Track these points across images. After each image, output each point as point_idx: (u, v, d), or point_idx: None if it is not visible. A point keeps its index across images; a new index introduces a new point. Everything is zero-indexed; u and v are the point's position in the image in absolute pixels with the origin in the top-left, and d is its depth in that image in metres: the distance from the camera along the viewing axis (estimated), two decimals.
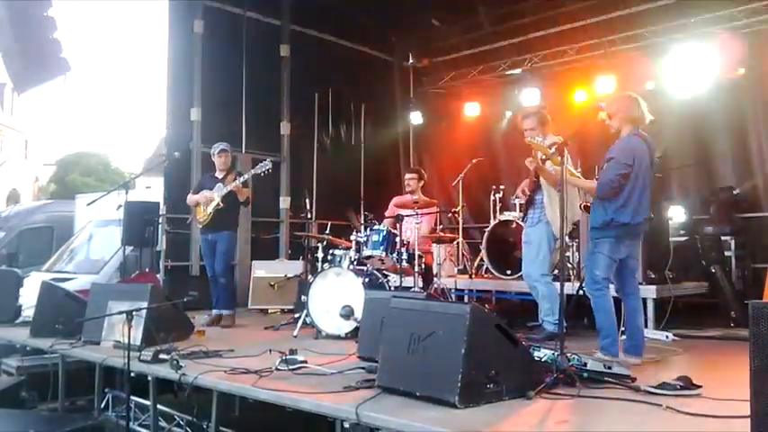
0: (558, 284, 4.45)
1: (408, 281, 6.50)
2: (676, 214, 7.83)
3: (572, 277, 6.55)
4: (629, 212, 4.54)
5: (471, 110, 10.47)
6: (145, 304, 5.09)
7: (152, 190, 11.70)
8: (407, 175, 7.49)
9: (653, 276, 6.34)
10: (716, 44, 8.03)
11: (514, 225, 7.50)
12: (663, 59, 8.51)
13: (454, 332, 3.40)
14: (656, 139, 7.39)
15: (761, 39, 7.77)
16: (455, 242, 8.04)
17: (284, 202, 9.53)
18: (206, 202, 6.69)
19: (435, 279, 6.91)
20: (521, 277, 7.19)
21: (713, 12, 8.02)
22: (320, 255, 6.72)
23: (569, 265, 6.64)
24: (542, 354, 3.91)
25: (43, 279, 6.73)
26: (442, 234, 7.60)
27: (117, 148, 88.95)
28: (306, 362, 4.38)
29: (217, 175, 6.86)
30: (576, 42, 9.24)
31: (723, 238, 7.45)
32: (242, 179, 6.58)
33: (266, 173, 6.62)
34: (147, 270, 7.90)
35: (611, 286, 4.75)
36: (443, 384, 3.33)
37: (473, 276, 7.97)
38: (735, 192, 7.98)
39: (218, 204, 6.60)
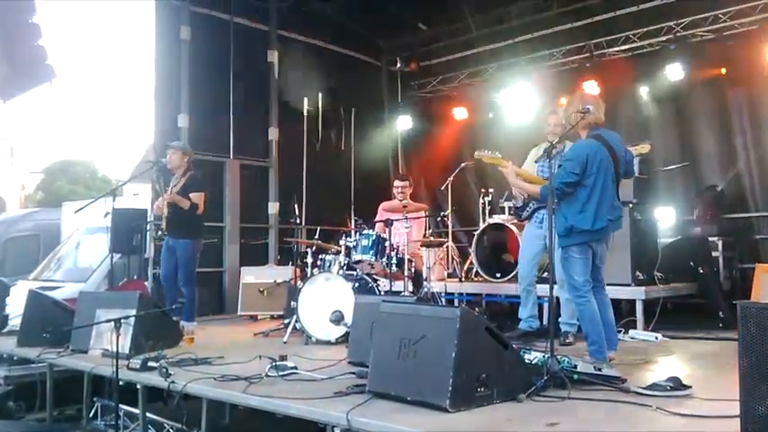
0: None
1: (398, 285, 6.50)
2: (664, 215, 7.87)
3: None
4: (588, 219, 4.47)
5: (459, 114, 10.49)
6: (133, 312, 5.06)
7: (140, 197, 11.63)
8: (400, 183, 7.41)
9: (642, 277, 6.37)
10: (699, 46, 8.12)
11: (504, 228, 7.51)
12: (647, 62, 8.59)
13: (444, 336, 3.39)
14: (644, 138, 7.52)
15: (744, 40, 7.84)
16: (444, 246, 8.05)
17: (273, 208, 9.51)
18: (158, 209, 6.64)
19: (425, 283, 6.91)
20: (510, 280, 7.24)
21: (697, 14, 8.10)
22: (309, 260, 6.70)
23: None
24: (532, 356, 3.92)
25: (30, 288, 6.66)
26: (431, 238, 7.60)
27: (104, 156, 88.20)
28: (296, 368, 4.36)
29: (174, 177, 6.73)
30: (563, 46, 9.29)
31: (711, 238, 7.50)
32: (175, 190, 6.44)
33: (191, 182, 6.51)
34: (135, 277, 7.86)
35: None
36: (434, 388, 3.32)
37: (463, 280, 7.98)
38: (718, 188, 8.04)
39: (165, 214, 6.49)
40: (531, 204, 5.90)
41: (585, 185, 4.50)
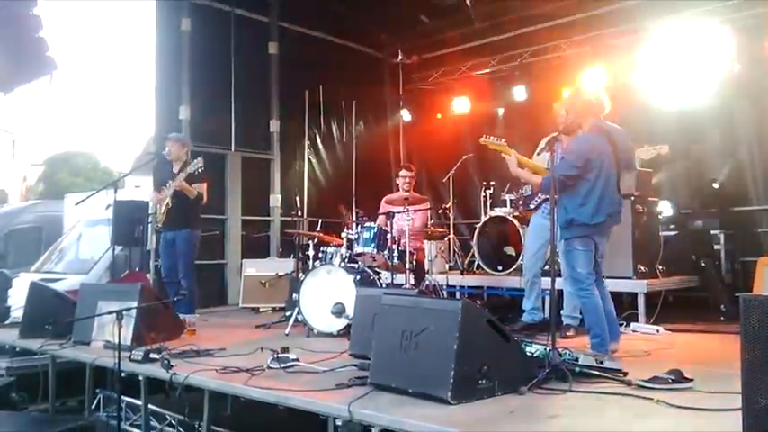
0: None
1: (400, 278, 6.50)
2: (665, 208, 7.87)
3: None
4: (588, 212, 4.50)
5: (461, 106, 10.48)
6: (135, 304, 5.06)
7: (141, 189, 11.64)
8: (405, 173, 7.42)
9: (643, 270, 6.36)
10: (704, 39, 8.08)
11: (506, 221, 7.50)
12: (651, 54, 8.54)
13: (446, 328, 3.39)
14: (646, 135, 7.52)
15: (748, 33, 7.80)
16: (446, 239, 8.04)
17: (274, 200, 9.51)
18: (159, 202, 6.63)
19: (427, 276, 6.91)
20: (512, 273, 7.23)
21: (701, 7, 8.06)
22: (311, 252, 6.71)
23: None
24: (534, 349, 3.92)
25: (32, 279, 6.67)
26: (432, 230, 7.60)
27: (105, 148, 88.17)
28: (298, 360, 4.37)
29: (174, 169, 6.74)
30: (565, 38, 9.26)
31: (712, 231, 7.49)
32: (182, 177, 6.41)
33: (199, 171, 6.44)
34: (136, 270, 7.85)
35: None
36: (436, 381, 3.32)
37: (464, 273, 7.98)
38: (715, 184, 8.03)
39: (168, 204, 6.51)
40: (539, 195, 5.88)
41: (587, 179, 4.50)
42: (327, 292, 5.82)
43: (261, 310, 7.98)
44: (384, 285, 6.08)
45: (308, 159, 9.89)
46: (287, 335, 5.86)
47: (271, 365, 4.25)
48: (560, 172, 4.44)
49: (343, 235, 6.46)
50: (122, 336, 4.32)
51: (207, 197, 6.64)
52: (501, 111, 10.27)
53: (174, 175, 6.59)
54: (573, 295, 5.46)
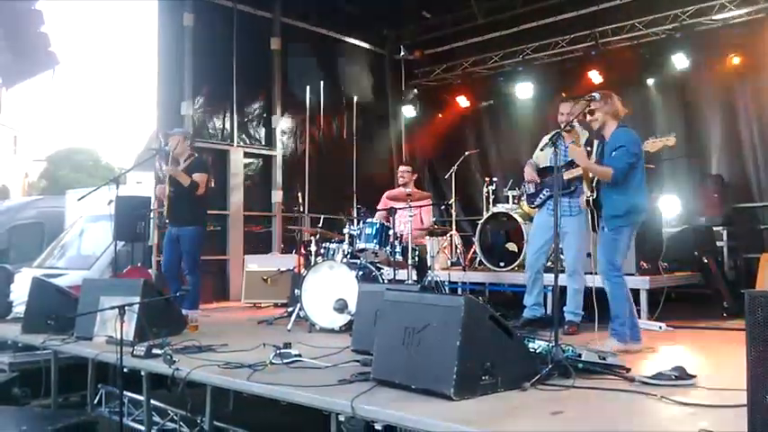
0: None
1: (402, 274, 6.49)
2: (668, 205, 7.85)
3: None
4: (643, 199, 4.71)
5: (463, 102, 10.46)
6: (137, 299, 5.06)
7: (143, 185, 11.64)
8: (402, 168, 7.45)
9: (646, 267, 6.35)
10: (706, 34, 8.07)
11: (508, 217, 7.49)
12: (654, 50, 8.53)
13: (449, 324, 3.38)
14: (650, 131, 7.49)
15: (751, 28, 7.79)
16: (448, 235, 8.03)
17: (276, 196, 9.51)
18: (162, 194, 6.63)
19: (429, 272, 6.90)
20: (514, 270, 7.22)
21: (703, 3, 8.04)
22: (313, 248, 6.70)
23: None
24: (537, 345, 3.91)
25: (34, 275, 6.66)
26: (435, 227, 7.58)
27: (107, 144, 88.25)
28: (300, 355, 4.36)
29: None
30: (568, 34, 9.24)
31: (715, 228, 7.48)
32: (175, 165, 6.42)
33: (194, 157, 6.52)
34: (138, 265, 7.86)
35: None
36: (439, 377, 3.31)
37: (466, 269, 7.96)
38: (714, 177, 8.03)
39: (169, 193, 6.48)
40: (544, 192, 5.88)
41: (637, 168, 4.65)
42: (329, 288, 5.81)
43: (263, 305, 7.98)
44: (386, 281, 6.07)
45: (310, 155, 9.88)
46: (289, 331, 5.85)
47: (273, 361, 4.23)
48: (626, 161, 4.55)
49: (345, 231, 6.46)
50: (125, 331, 4.31)
51: (205, 188, 6.58)
52: (504, 107, 10.25)
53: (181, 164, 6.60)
54: (577, 293, 5.50)
